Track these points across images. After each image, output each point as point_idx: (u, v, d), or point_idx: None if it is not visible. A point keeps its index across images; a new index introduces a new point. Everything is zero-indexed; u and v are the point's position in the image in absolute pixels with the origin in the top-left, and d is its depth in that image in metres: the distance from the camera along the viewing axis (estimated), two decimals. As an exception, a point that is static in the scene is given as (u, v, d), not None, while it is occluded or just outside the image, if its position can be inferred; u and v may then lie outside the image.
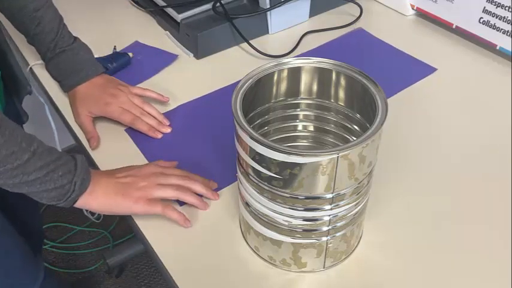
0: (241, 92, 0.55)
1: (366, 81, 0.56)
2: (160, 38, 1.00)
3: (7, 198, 0.71)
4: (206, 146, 0.77)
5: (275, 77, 0.60)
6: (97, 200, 0.64)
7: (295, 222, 0.55)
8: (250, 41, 0.95)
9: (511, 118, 0.80)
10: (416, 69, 0.91)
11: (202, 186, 0.69)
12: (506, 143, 0.76)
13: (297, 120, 0.66)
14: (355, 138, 0.59)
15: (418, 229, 0.65)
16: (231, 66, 0.94)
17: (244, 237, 0.65)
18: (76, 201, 0.63)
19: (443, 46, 0.98)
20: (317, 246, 0.58)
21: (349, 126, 0.62)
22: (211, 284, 0.60)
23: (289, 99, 0.63)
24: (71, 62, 0.83)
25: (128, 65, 0.92)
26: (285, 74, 0.60)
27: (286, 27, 1.03)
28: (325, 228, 0.56)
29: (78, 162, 0.63)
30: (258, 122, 0.63)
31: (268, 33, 1.02)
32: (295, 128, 0.66)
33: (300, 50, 0.97)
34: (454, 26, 0.98)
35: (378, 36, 1.00)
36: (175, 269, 0.61)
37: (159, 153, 0.76)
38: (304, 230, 0.56)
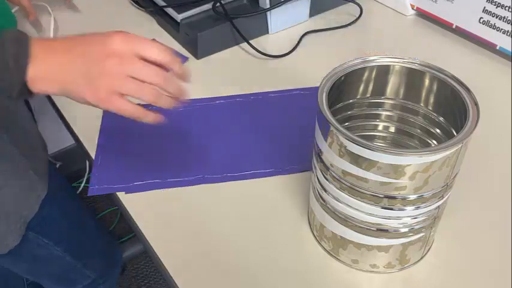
0: (325, 88, 0.53)
1: (457, 85, 0.55)
2: (160, 38, 1.00)
3: None
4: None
5: (362, 74, 0.58)
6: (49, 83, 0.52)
7: (411, 222, 0.54)
8: (250, 41, 0.95)
9: (511, 118, 0.80)
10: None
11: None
12: (506, 143, 0.76)
13: (378, 120, 0.65)
14: (436, 143, 0.59)
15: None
16: (231, 66, 0.94)
17: (333, 255, 0.62)
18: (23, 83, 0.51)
19: (443, 46, 0.98)
20: (422, 238, 0.57)
21: (432, 130, 0.61)
22: (212, 283, 0.60)
23: (373, 98, 0.62)
24: None
25: None
26: (372, 71, 0.58)
27: (286, 27, 1.03)
28: (430, 221, 0.56)
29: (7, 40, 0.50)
30: (338, 117, 0.61)
31: (268, 33, 1.02)
32: (375, 128, 0.65)
33: (300, 50, 0.97)
34: (454, 26, 0.98)
35: (378, 36, 1.00)
36: (175, 269, 0.62)
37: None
38: (417, 227, 0.55)
